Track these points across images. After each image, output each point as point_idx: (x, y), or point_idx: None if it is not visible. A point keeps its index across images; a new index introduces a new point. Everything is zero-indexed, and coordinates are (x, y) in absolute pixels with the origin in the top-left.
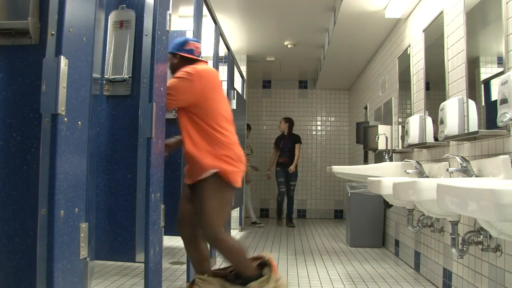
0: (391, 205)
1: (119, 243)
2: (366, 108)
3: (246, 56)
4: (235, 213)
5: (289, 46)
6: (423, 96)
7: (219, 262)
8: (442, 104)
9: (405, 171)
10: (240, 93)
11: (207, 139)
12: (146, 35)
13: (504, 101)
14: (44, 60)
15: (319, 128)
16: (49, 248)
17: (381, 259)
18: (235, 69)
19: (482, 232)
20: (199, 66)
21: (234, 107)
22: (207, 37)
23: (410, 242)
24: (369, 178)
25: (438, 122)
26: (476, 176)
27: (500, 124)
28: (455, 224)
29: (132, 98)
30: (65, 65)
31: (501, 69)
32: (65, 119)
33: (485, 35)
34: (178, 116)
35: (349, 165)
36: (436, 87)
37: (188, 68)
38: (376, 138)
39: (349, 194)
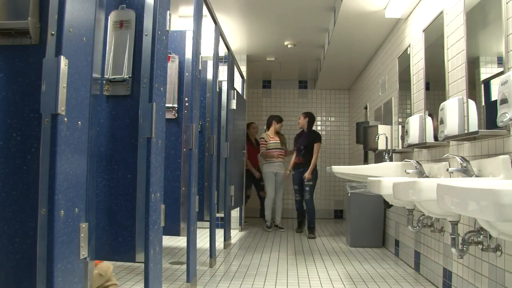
0: (391, 205)
1: (119, 243)
2: (366, 108)
3: (246, 56)
4: (235, 213)
5: (289, 46)
6: (423, 96)
7: (219, 262)
8: (442, 104)
9: (405, 171)
10: (240, 93)
11: None
12: (146, 35)
13: (504, 101)
14: (44, 60)
15: (319, 128)
16: (49, 248)
17: (381, 259)
18: (235, 69)
19: (482, 232)
20: None
21: (234, 107)
22: (207, 37)
23: (410, 242)
24: (369, 178)
25: (438, 122)
26: (476, 176)
27: (500, 124)
28: (455, 224)
29: (132, 98)
30: (65, 65)
31: (501, 69)
32: (65, 119)
33: (485, 35)
34: None
35: (349, 165)
36: (436, 87)
37: None
38: (376, 138)
39: (349, 194)
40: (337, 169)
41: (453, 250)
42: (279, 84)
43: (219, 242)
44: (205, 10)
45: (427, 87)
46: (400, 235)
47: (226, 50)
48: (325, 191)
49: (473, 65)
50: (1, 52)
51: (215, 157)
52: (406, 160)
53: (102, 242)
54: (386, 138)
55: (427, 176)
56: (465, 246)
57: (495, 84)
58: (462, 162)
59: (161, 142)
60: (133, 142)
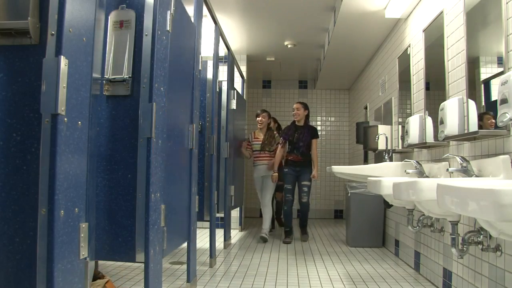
0: (391, 205)
1: (119, 243)
2: (366, 108)
3: (246, 56)
4: (235, 213)
5: (289, 46)
6: (423, 96)
7: (219, 262)
8: (442, 104)
9: (405, 171)
10: (240, 93)
11: None
12: (146, 35)
13: (504, 101)
14: (44, 60)
15: (319, 128)
16: (49, 248)
17: (381, 259)
18: (235, 69)
19: (482, 232)
20: None
21: (234, 107)
22: (207, 37)
23: (410, 242)
24: (369, 178)
25: (438, 122)
26: (476, 176)
27: (500, 124)
28: (455, 224)
29: (132, 98)
30: (65, 65)
31: (501, 69)
32: (65, 119)
33: (485, 35)
34: None
35: (349, 165)
36: (436, 87)
37: None
38: (376, 138)
39: (349, 194)
40: (337, 169)
41: (453, 250)
42: (279, 84)
43: (219, 242)
44: (205, 10)
45: (427, 87)
46: (400, 235)
47: (226, 50)
48: (325, 191)
49: (473, 65)
50: (1, 52)
51: (215, 157)
52: (406, 160)
53: (102, 242)
54: (386, 138)
55: (427, 176)
56: (465, 246)
57: (495, 84)
58: (462, 162)
59: (161, 142)
60: (133, 142)
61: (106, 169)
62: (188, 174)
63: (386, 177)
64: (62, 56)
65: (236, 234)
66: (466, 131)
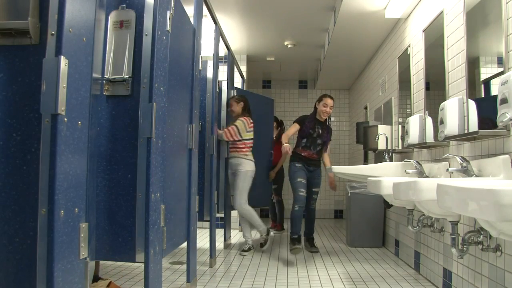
0: (391, 205)
1: (119, 243)
2: (366, 108)
3: (246, 56)
4: (235, 213)
5: (289, 46)
6: (423, 96)
7: (219, 262)
8: (442, 104)
9: (405, 171)
10: None
11: None
12: (146, 35)
13: (504, 101)
14: (44, 60)
15: None
16: (49, 248)
17: (381, 259)
18: (235, 69)
19: (482, 232)
20: None
21: None
22: (207, 37)
23: (410, 242)
24: (369, 178)
25: (438, 122)
26: (476, 176)
27: (500, 124)
28: (455, 224)
29: (132, 98)
30: (65, 65)
31: (501, 69)
32: (65, 119)
33: (485, 35)
34: None
35: (349, 165)
36: (436, 87)
37: None
38: (376, 138)
39: (349, 194)
40: (337, 169)
41: (453, 250)
42: (279, 84)
43: (219, 242)
44: (205, 10)
45: (427, 87)
46: (400, 235)
47: (226, 50)
48: (325, 191)
49: (473, 65)
50: (1, 52)
51: (215, 157)
52: (406, 160)
53: (102, 242)
54: (386, 138)
55: (427, 176)
56: (465, 246)
57: (495, 84)
58: (462, 162)
59: (161, 142)
60: (133, 142)
61: (106, 169)
62: (188, 174)
63: (386, 177)
64: (62, 56)
65: (236, 234)
66: (466, 131)
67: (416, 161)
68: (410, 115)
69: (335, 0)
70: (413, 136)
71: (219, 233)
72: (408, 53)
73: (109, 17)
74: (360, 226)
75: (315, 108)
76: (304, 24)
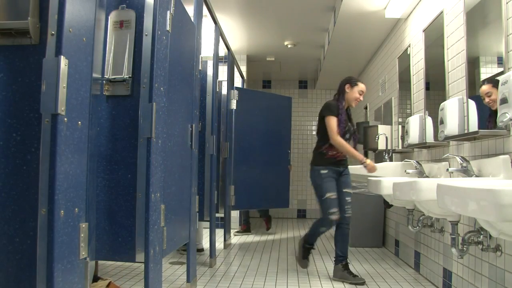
0: (391, 205)
1: (119, 243)
2: (366, 108)
3: (246, 56)
4: (234, 213)
5: (289, 46)
6: (423, 96)
7: (219, 262)
8: (442, 104)
9: (405, 171)
10: None
11: None
12: (146, 35)
13: (504, 101)
14: (44, 60)
15: None
16: (49, 248)
17: (381, 259)
18: (235, 69)
19: (482, 232)
20: None
21: (234, 107)
22: (207, 37)
23: (410, 242)
24: (369, 178)
25: (438, 122)
26: (476, 176)
27: (500, 124)
28: (455, 224)
29: (132, 98)
30: (65, 65)
31: (501, 69)
32: (65, 119)
33: (485, 35)
34: None
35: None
36: (436, 87)
37: None
38: (376, 138)
39: None
40: None
41: (453, 250)
42: (279, 84)
43: (219, 242)
44: (205, 10)
45: (427, 87)
46: (400, 235)
47: (226, 50)
48: None
49: (473, 65)
50: (1, 52)
51: (215, 157)
52: (406, 160)
53: (102, 242)
54: (386, 138)
55: (427, 176)
56: (465, 246)
57: None
58: (462, 162)
59: (161, 142)
60: (133, 142)
61: (106, 169)
62: (188, 174)
63: (386, 177)
64: (62, 56)
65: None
66: (466, 131)
67: (416, 161)
68: (410, 115)
69: (335, 0)
70: (413, 136)
71: (219, 233)
72: (408, 53)
73: (109, 17)
74: (360, 226)
75: (342, 93)
76: (304, 24)
